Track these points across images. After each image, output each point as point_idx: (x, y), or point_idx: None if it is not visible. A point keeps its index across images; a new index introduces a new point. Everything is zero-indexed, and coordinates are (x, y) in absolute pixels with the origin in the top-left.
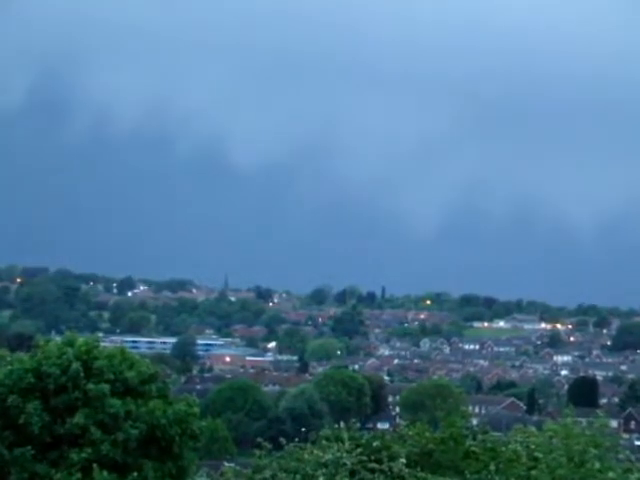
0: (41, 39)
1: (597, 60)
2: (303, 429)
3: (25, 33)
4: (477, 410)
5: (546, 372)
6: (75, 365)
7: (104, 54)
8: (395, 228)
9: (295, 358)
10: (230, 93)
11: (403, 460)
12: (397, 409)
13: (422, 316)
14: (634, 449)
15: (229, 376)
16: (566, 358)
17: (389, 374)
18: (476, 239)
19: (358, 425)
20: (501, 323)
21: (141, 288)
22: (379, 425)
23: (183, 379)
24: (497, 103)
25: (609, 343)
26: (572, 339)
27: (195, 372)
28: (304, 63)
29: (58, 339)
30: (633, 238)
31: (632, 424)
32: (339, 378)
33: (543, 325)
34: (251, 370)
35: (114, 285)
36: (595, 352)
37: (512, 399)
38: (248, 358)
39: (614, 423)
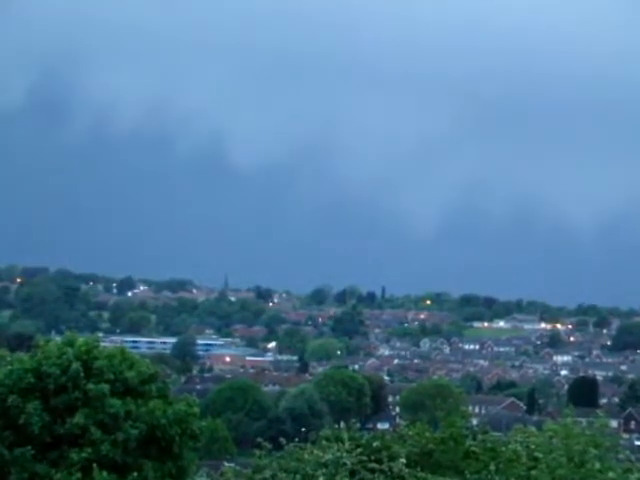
0: (41, 39)
1: (597, 60)
2: (303, 429)
3: (25, 33)
4: (477, 410)
5: (546, 372)
6: (75, 365)
7: (104, 54)
8: (395, 228)
9: (295, 358)
10: (230, 93)
11: (403, 460)
12: (397, 409)
13: (422, 316)
14: (634, 449)
15: (229, 376)
16: (566, 358)
17: (389, 374)
18: (476, 239)
19: (358, 425)
20: (501, 323)
21: (141, 288)
22: (379, 425)
23: (183, 379)
24: (497, 103)
25: (609, 343)
26: (572, 339)
27: (195, 372)
28: (304, 63)
29: (58, 339)
30: (633, 238)
31: (632, 424)
32: (339, 378)
33: (543, 325)
34: (251, 370)
35: (114, 285)
36: (595, 352)
37: (512, 399)
38: (248, 358)
39: (614, 423)
